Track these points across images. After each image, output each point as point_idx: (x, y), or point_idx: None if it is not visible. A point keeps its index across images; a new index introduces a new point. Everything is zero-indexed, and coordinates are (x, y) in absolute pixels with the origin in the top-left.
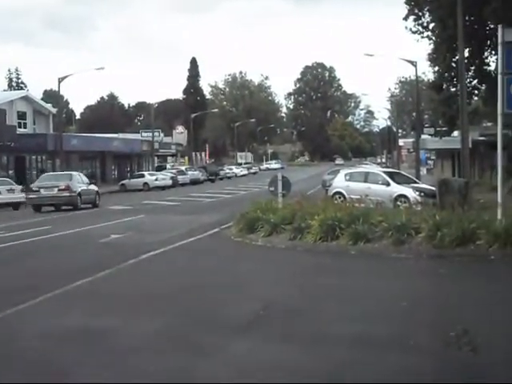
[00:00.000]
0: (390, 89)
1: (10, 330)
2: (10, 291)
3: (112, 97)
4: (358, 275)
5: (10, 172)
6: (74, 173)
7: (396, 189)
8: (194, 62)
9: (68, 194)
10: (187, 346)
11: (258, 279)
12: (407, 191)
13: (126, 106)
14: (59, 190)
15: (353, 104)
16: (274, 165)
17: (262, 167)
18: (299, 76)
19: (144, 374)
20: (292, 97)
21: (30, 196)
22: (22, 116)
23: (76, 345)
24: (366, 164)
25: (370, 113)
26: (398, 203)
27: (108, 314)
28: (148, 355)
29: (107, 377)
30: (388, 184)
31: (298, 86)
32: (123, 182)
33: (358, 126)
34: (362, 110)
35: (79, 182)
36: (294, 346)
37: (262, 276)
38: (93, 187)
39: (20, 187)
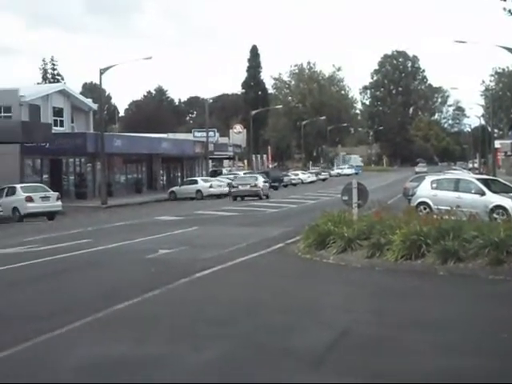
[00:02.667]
0: (484, 82)
1: (39, 361)
2: (41, 315)
3: (160, 91)
4: (447, 300)
5: (45, 177)
6: (258, 175)
7: (492, 199)
8: (254, 51)
9: (256, 189)
10: (249, 382)
11: (331, 303)
12: (506, 202)
13: (177, 101)
14: (251, 186)
15: (440, 99)
16: (346, 170)
17: (332, 172)
18: (377, 67)
19: None
20: (368, 91)
21: (233, 190)
22: (58, 113)
23: (117, 379)
24: (456, 170)
25: (459, 110)
26: (495, 215)
27: (157, 342)
28: None
29: None
30: (483, 193)
31: (375, 78)
32: (173, 189)
33: (446, 126)
34: (450, 106)
35: (261, 180)
36: None
37: (334, 299)
38: (267, 184)
39: (56, 194)
